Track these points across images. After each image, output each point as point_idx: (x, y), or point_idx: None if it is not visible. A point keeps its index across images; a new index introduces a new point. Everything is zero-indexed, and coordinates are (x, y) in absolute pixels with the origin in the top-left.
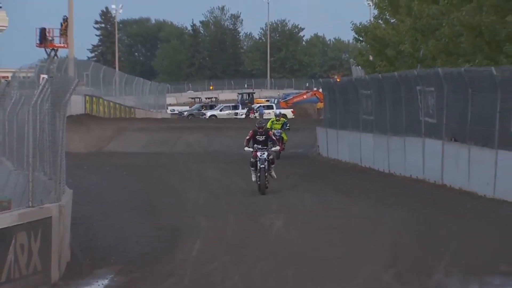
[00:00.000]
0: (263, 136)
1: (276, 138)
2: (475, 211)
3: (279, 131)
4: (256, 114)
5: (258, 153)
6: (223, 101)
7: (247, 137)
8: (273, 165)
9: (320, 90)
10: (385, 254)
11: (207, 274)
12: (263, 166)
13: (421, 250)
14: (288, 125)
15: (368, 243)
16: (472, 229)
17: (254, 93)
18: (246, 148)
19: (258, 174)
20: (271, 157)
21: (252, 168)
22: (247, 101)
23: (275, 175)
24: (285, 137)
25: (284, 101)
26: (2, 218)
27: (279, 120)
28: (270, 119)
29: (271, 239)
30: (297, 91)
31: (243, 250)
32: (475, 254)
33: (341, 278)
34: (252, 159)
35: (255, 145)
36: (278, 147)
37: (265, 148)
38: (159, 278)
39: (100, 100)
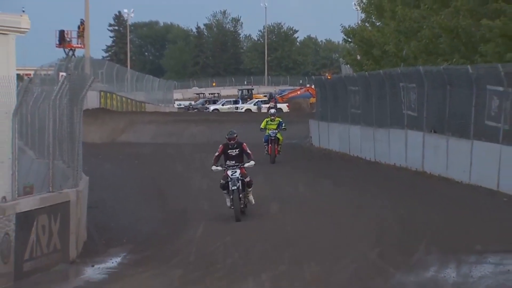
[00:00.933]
0: (237, 150)
1: (272, 140)
2: (452, 196)
3: (275, 131)
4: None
5: (229, 172)
6: (224, 96)
7: (216, 153)
8: (250, 189)
9: (313, 86)
10: (370, 236)
11: (210, 253)
12: (235, 187)
13: (403, 232)
14: (284, 124)
15: (355, 226)
16: (449, 213)
17: (253, 89)
18: (214, 168)
19: (231, 197)
20: (247, 179)
21: (224, 191)
22: (246, 96)
23: (253, 200)
24: (281, 138)
25: (280, 96)
26: (26, 202)
27: (274, 120)
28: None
29: (269, 221)
30: (292, 87)
31: (242, 232)
32: (452, 235)
33: (331, 257)
34: (222, 181)
35: (228, 162)
36: (253, 162)
37: (238, 166)
38: (167, 256)
39: (114, 95)
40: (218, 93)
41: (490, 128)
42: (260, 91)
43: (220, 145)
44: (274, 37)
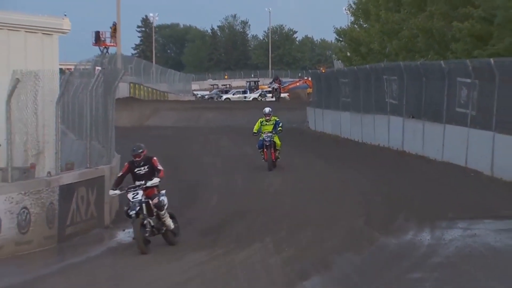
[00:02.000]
0: (145, 167)
1: (267, 145)
2: (427, 172)
3: (270, 135)
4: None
5: (129, 195)
6: (235, 87)
7: (119, 173)
8: (162, 212)
9: (310, 78)
10: (357, 207)
11: (222, 218)
12: (134, 212)
13: (385, 203)
14: (281, 124)
15: (344, 199)
16: (425, 186)
17: (259, 81)
18: (111, 192)
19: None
20: (156, 200)
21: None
22: (253, 87)
23: (171, 224)
24: (278, 142)
25: (282, 86)
26: (67, 176)
27: (270, 120)
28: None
29: (270, 193)
30: (292, 79)
31: (249, 201)
32: (427, 205)
33: (324, 225)
34: (125, 207)
35: (136, 182)
36: (157, 180)
37: (139, 186)
38: (185, 220)
39: (141, 86)
40: (229, 84)
41: (460, 114)
42: (265, 83)
43: (126, 163)
44: (276, 37)
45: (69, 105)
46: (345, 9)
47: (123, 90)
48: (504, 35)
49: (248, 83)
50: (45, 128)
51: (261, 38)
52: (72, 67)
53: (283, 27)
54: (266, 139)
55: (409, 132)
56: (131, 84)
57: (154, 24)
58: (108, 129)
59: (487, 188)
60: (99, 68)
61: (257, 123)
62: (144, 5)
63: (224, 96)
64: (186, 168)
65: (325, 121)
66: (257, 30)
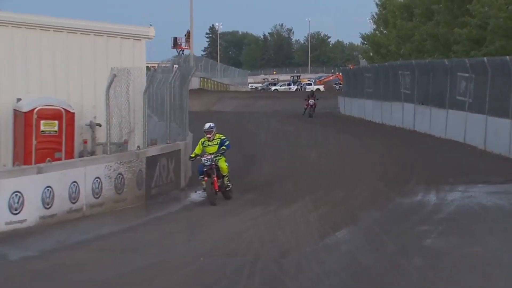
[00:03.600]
0: (215, 142)
1: (207, 171)
2: (434, 146)
3: (210, 157)
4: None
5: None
6: (281, 81)
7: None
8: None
9: (340, 74)
10: (377, 172)
11: (272, 181)
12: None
13: (400, 170)
14: (227, 142)
15: (366, 164)
16: (432, 157)
17: (300, 76)
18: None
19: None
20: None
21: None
22: (297, 81)
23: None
24: (223, 166)
25: (319, 80)
26: (152, 150)
27: (213, 139)
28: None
29: (310, 160)
30: (326, 74)
31: (293, 168)
32: (433, 172)
33: (351, 184)
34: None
35: (208, 153)
36: (223, 151)
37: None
38: (243, 184)
39: (209, 80)
40: (277, 78)
41: (459, 101)
42: (306, 77)
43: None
44: (314, 41)
45: (153, 94)
46: (369, 19)
47: (194, 83)
48: (495, 39)
49: (292, 77)
50: (135, 113)
51: (302, 42)
52: (156, 65)
53: (320, 33)
54: (206, 164)
55: (419, 115)
56: (201, 78)
57: (219, 32)
58: (183, 113)
59: (481, 159)
60: (176, 66)
61: (198, 145)
62: (211, 15)
63: (273, 88)
64: (244, 143)
65: (352, 107)
66: (299, 35)
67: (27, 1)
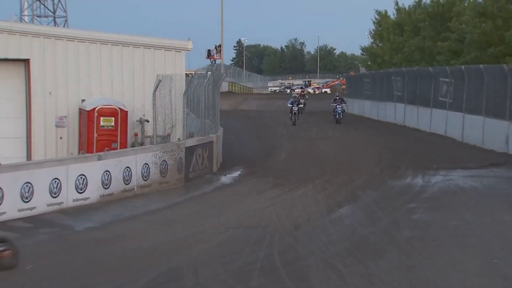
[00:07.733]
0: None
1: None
2: (420, 138)
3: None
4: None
5: (290, 104)
6: (295, 84)
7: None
8: (302, 106)
9: (343, 79)
10: (373, 159)
11: (287, 168)
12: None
13: (392, 157)
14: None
15: (365, 153)
16: (419, 147)
17: (311, 81)
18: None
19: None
20: (301, 105)
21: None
22: (307, 84)
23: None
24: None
25: (326, 84)
26: (190, 141)
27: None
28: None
29: (319, 151)
30: (332, 79)
31: (305, 157)
32: (420, 160)
33: (352, 170)
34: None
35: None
36: (301, 105)
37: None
38: (264, 170)
39: (236, 84)
40: (292, 83)
41: (441, 102)
42: (315, 82)
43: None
44: (323, 52)
45: (191, 96)
46: (367, 34)
47: (224, 87)
48: (471, 51)
49: (304, 82)
50: (176, 111)
51: (313, 53)
52: (193, 72)
53: (327, 46)
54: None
55: (408, 113)
56: (230, 83)
57: (244, 45)
58: (215, 111)
59: (459, 149)
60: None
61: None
62: (238, 31)
63: (288, 90)
64: (264, 135)
65: (353, 106)
66: (310, 47)
67: (85, 19)
